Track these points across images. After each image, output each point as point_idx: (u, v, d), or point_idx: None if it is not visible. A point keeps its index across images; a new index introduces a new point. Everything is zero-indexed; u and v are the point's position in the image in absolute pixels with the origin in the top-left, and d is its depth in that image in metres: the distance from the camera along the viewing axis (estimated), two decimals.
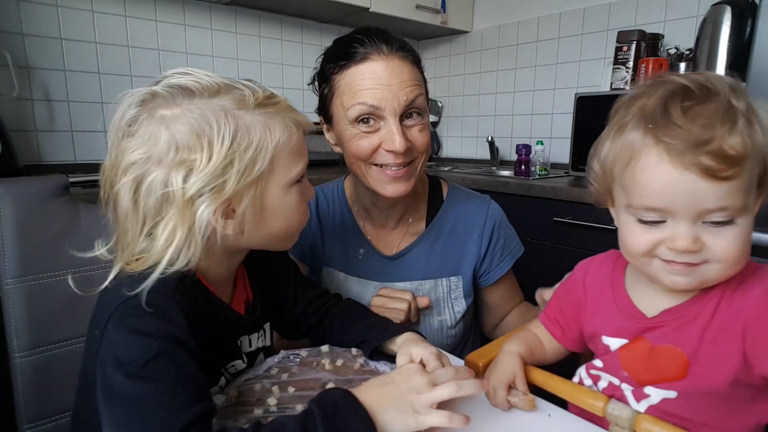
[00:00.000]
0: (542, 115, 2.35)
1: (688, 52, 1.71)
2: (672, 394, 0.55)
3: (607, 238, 1.48)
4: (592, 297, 0.66)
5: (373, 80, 0.77)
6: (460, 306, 0.94)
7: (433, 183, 0.99)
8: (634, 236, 0.53)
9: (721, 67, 1.48)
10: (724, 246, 0.49)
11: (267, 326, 0.72)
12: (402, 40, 0.82)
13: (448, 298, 0.94)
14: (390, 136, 0.78)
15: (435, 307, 0.93)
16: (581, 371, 0.65)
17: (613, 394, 0.60)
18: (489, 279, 0.96)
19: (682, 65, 1.66)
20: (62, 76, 1.73)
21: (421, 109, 0.81)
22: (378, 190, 0.83)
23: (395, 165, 0.80)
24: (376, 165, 0.82)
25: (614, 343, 0.60)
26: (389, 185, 0.82)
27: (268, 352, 0.71)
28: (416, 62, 0.82)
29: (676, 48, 1.74)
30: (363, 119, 0.79)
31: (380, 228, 0.96)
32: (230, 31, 2.12)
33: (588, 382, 0.64)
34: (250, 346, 0.68)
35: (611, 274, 0.64)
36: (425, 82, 0.85)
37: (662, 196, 0.49)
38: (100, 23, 1.78)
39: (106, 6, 1.79)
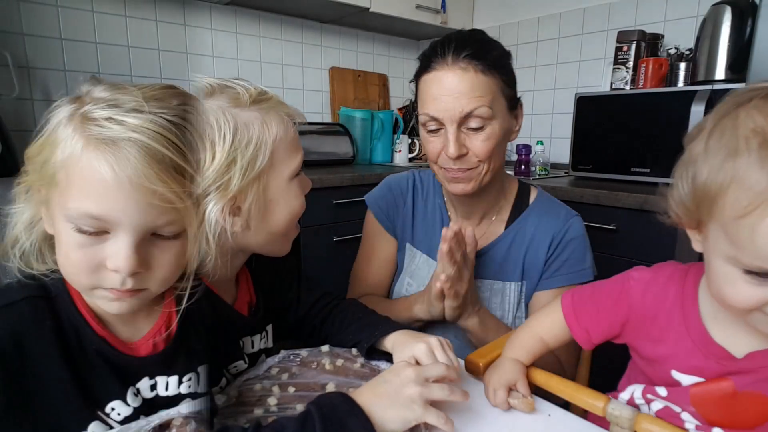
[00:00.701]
0: (542, 115, 2.35)
1: (688, 52, 1.71)
2: None
3: (607, 238, 1.49)
4: (656, 321, 0.58)
5: (436, 90, 0.81)
6: (522, 311, 0.94)
7: (522, 188, 1.00)
8: (736, 289, 0.45)
9: (721, 68, 1.48)
10: None
11: (269, 328, 0.72)
12: (476, 47, 0.80)
13: (515, 302, 0.93)
14: (446, 143, 0.83)
15: (500, 309, 0.93)
16: (636, 392, 0.61)
17: (668, 418, 0.56)
18: (537, 286, 0.93)
19: (682, 65, 1.66)
20: (62, 76, 1.72)
21: (483, 117, 0.80)
22: (444, 186, 0.91)
23: (453, 169, 0.85)
24: (441, 166, 0.88)
25: (687, 379, 0.55)
26: (451, 184, 0.88)
27: (270, 353, 0.71)
28: (486, 70, 0.79)
29: (676, 48, 1.74)
30: (429, 124, 0.85)
31: (465, 220, 0.98)
32: (230, 31, 2.12)
33: (640, 401, 0.60)
34: (252, 347, 0.68)
35: (680, 298, 0.57)
36: (504, 85, 0.83)
37: None
38: (100, 23, 1.78)
39: (106, 6, 1.79)
